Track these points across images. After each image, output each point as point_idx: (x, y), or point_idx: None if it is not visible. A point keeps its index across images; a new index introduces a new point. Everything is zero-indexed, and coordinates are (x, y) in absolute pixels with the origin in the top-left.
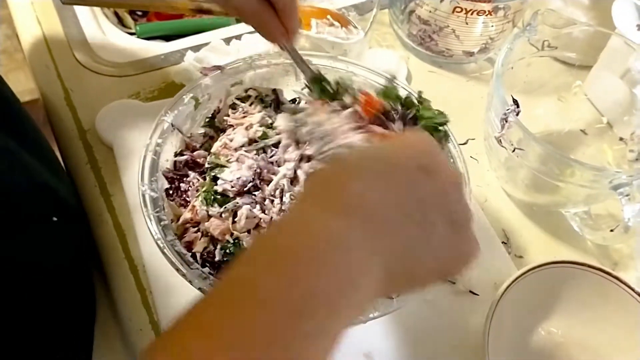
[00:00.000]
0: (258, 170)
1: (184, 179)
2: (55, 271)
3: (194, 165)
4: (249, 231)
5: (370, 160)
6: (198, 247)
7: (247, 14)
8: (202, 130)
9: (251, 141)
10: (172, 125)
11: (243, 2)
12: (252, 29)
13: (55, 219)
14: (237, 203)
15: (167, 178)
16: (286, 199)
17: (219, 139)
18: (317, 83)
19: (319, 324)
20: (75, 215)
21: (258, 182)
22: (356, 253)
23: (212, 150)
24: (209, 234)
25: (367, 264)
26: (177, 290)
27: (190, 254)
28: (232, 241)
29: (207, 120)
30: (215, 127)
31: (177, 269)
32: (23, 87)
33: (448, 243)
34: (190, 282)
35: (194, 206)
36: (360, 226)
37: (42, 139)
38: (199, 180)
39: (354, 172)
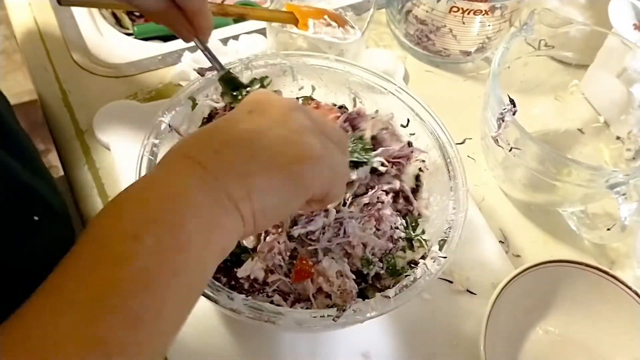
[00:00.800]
0: None
1: None
2: (39, 270)
3: None
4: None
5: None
6: None
7: (152, 13)
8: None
9: None
10: (170, 125)
11: (155, 6)
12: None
13: (36, 218)
14: None
15: None
16: None
17: None
18: (227, 83)
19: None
20: (59, 214)
21: None
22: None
23: None
24: None
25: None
26: None
27: None
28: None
29: (204, 120)
30: None
31: None
32: (21, 88)
33: (280, 152)
34: None
35: None
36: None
37: (22, 138)
38: None
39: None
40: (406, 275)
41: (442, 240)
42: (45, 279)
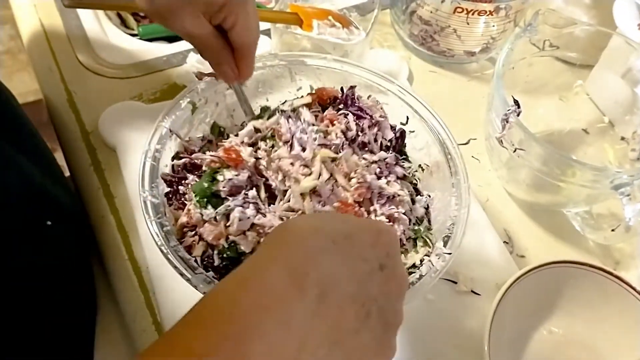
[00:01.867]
0: (254, 167)
1: (183, 181)
2: (52, 274)
3: (192, 167)
4: (245, 232)
5: (338, 235)
6: (197, 252)
7: (201, 46)
8: (200, 134)
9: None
10: (170, 130)
11: (197, 31)
12: None
13: (49, 222)
14: (229, 206)
15: (166, 182)
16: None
17: (228, 140)
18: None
19: None
20: (74, 218)
21: (256, 178)
22: (296, 329)
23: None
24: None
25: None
26: (180, 292)
27: (193, 258)
28: (227, 245)
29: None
30: (219, 131)
31: (182, 274)
32: (27, 88)
33: (374, 341)
34: (195, 287)
35: (189, 210)
36: (312, 303)
37: (40, 142)
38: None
39: (321, 243)
40: (411, 273)
41: (446, 236)
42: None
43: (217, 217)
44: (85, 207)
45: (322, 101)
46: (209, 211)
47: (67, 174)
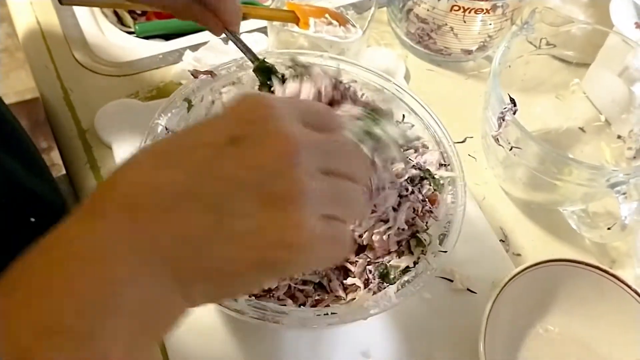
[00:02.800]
0: None
1: None
2: None
3: None
4: None
5: (168, 144)
6: None
7: (175, 11)
8: None
9: None
10: (166, 128)
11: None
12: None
13: (33, 219)
14: None
15: None
16: None
17: None
18: (263, 72)
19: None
20: (59, 215)
21: None
22: (118, 263)
23: None
24: None
25: (134, 270)
26: None
27: None
28: None
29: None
30: None
31: None
32: (24, 86)
33: (258, 225)
34: None
35: None
36: (127, 225)
37: (24, 139)
38: None
39: (141, 160)
40: (407, 272)
41: (442, 234)
42: None
43: None
44: (75, 204)
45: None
46: None
47: (63, 171)
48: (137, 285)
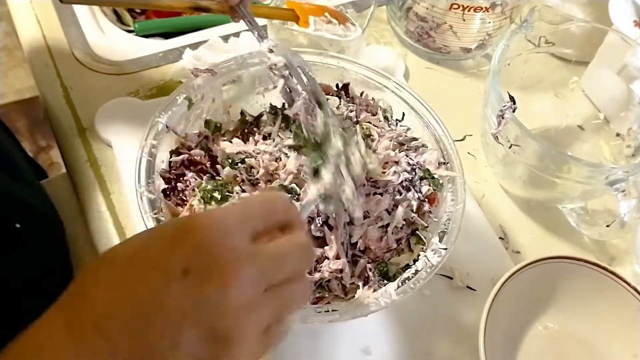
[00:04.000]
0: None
1: (181, 178)
2: (25, 277)
3: (189, 164)
4: None
5: (130, 261)
6: None
7: None
8: (196, 130)
9: None
10: (167, 126)
11: None
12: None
13: (18, 225)
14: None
15: (163, 178)
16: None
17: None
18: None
19: None
20: (43, 219)
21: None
22: None
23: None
24: None
25: None
26: None
27: None
28: None
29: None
30: (216, 126)
31: None
32: (23, 85)
33: (210, 325)
34: None
35: (191, 205)
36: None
37: (3, 146)
38: (196, 179)
39: (102, 275)
40: (407, 269)
41: (441, 232)
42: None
43: None
44: (79, 202)
45: None
46: (213, 207)
47: (63, 170)
48: None
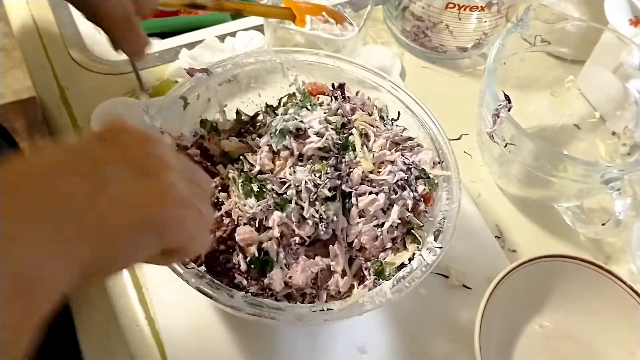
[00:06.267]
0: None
1: None
2: None
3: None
4: (280, 243)
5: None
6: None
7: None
8: (192, 130)
9: None
10: (162, 130)
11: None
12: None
13: None
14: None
15: None
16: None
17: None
18: None
19: None
20: None
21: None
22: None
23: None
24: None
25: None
26: (174, 287)
27: None
28: (256, 254)
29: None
30: (212, 126)
31: (173, 269)
32: (21, 85)
33: (134, 187)
34: (187, 281)
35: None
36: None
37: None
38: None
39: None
40: (401, 267)
41: (437, 230)
42: None
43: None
44: None
45: (312, 96)
46: (252, 201)
47: None
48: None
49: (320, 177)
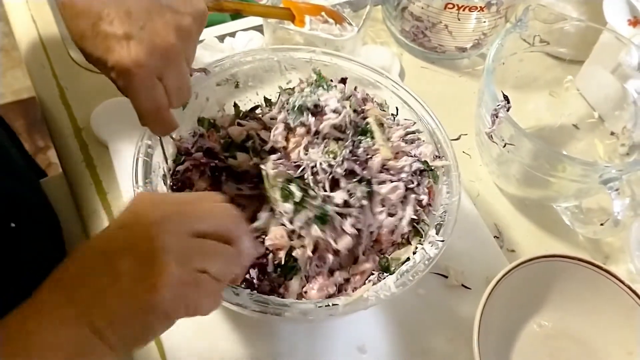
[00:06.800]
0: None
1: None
2: (21, 277)
3: (193, 168)
4: (314, 251)
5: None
6: None
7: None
8: (190, 130)
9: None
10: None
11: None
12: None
13: (13, 225)
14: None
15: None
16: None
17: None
18: None
19: None
20: (41, 218)
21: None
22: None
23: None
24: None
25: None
26: None
27: None
28: (285, 258)
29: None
30: (210, 123)
31: None
32: (20, 85)
33: (132, 282)
34: None
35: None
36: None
37: (4, 144)
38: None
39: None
40: (406, 261)
41: (438, 224)
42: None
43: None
44: (75, 202)
45: None
46: (289, 207)
47: (60, 170)
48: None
49: (334, 158)
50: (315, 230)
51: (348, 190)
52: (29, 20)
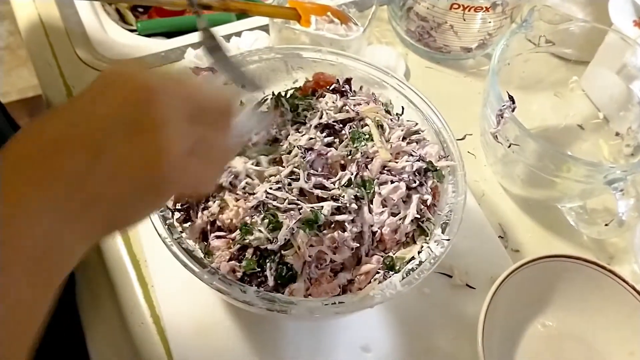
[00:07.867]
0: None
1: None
2: None
3: None
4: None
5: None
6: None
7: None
8: None
9: None
10: None
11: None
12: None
13: None
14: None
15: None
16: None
17: None
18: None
19: None
20: None
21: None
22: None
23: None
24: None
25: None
26: (179, 284)
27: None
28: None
29: None
30: None
31: (186, 266)
32: (26, 84)
33: (124, 157)
34: (200, 278)
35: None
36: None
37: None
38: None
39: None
40: (411, 260)
41: (444, 223)
42: None
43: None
44: None
45: (319, 87)
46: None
47: None
48: (37, 222)
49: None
50: (302, 235)
51: (334, 197)
52: (36, 19)
